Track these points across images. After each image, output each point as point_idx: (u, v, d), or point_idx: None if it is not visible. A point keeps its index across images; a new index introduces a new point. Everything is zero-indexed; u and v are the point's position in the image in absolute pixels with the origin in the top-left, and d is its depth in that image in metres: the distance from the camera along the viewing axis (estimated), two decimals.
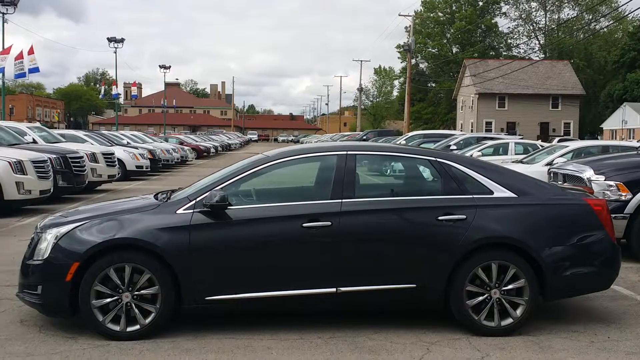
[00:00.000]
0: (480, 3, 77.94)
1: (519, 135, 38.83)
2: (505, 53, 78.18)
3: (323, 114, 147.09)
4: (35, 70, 34.18)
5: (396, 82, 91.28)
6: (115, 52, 57.91)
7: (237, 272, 5.40)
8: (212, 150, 47.28)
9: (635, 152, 10.75)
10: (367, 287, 5.48)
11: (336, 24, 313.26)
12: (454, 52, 78.49)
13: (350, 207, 5.51)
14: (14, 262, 7.27)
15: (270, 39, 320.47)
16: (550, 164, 13.82)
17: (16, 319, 5.81)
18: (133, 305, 5.28)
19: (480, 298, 5.50)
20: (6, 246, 9.36)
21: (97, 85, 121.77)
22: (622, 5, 55.43)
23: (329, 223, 5.43)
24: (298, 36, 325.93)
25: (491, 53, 76.62)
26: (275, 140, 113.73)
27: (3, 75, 33.75)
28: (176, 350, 5.09)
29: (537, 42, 79.46)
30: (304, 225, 5.40)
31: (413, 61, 64.69)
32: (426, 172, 6.13)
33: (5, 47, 33.73)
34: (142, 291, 5.29)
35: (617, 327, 5.84)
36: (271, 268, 5.44)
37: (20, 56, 33.43)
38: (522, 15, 78.81)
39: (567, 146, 16.05)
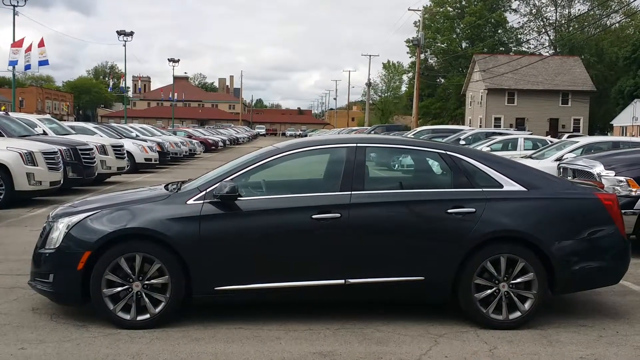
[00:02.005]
0: None
1: (528, 131, 38.66)
2: (515, 48, 77.81)
3: (331, 109, 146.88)
4: (44, 63, 34.39)
5: (405, 77, 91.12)
6: (125, 46, 58.19)
7: (247, 262, 5.43)
8: (220, 143, 47.36)
9: None
10: (375, 279, 5.50)
11: (345, 18, 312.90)
12: (463, 47, 78.14)
13: (359, 200, 5.53)
14: (25, 252, 7.34)
15: (280, 33, 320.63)
16: (560, 159, 13.78)
17: (28, 307, 5.87)
18: (143, 294, 5.32)
19: (489, 291, 5.51)
20: (18, 236, 9.44)
21: (106, 79, 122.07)
22: (633, 0, 55.06)
23: (339, 215, 5.44)
24: (307, 30, 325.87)
25: (501, 48, 76.22)
26: (283, 134, 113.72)
27: (14, 68, 33.92)
28: (186, 339, 5.13)
29: (547, 37, 79.07)
30: (314, 216, 5.42)
31: (422, 56, 64.47)
32: (436, 165, 6.13)
33: (16, 39, 33.87)
34: (152, 280, 5.33)
35: (626, 321, 5.84)
36: (280, 259, 5.46)
37: (29, 48, 33.62)
38: (532, 11, 78.45)
39: (577, 142, 15.98)
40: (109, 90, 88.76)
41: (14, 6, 35.30)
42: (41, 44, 33.64)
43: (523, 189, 5.72)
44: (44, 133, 16.72)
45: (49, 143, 13.95)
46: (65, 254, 5.35)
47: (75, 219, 5.45)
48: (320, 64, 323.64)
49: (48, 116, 22.99)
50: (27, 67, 34.66)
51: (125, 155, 19.51)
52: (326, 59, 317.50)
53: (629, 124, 51.39)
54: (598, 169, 9.17)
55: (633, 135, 44.19)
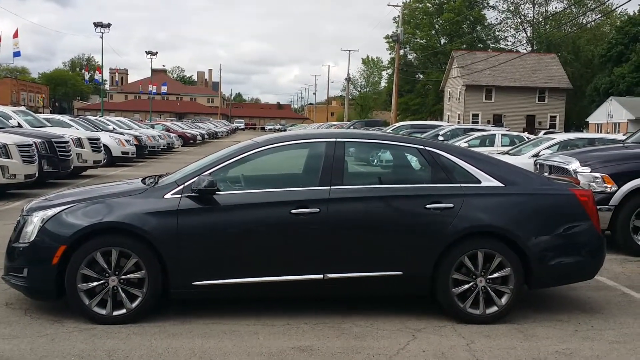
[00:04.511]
0: None
1: (505, 127, 39.00)
2: (493, 45, 78.36)
3: (310, 104, 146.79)
4: (17, 54, 33.99)
5: (384, 73, 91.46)
6: (102, 38, 57.31)
7: (225, 257, 5.39)
8: (199, 137, 47.08)
9: (622, 145, 10.83)
10: (354, 274, 5.50)
11: (326, 12, 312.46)
12: (442, 43, 78.53)
13: (338, 194, 5.52)
14: None
15: (260, 27, 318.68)
16: (536, 155, 13.90)
17: (1, 302, 5.78)
18: (120, 289, 5.27)
19: (466, 286, 5.54)
20: None
21: (83, 71, 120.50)
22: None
23: (317, 210, 5.43)
24: (287, 25, 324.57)
25: (479, 45, 76.74)
26: (263, 128, 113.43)
27: None
28: (163, 334, 5.08)
29: (524, 34, 79.80)
30: (292, 211, 5.41)
31: (401, 52, 64.68)
32: (414, 161, 6.14)
33: None
34: (128, 275, 5.27)
35: (601, 316, 5.91)
36: (259, 254, 5.44)
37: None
38: (510, 8, 79.05)
39: (554, 138, 16.16)
40: (85, 82, 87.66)
41: None
42: (15, 35, 33.19)
43: (500, 184, 5.76)
44: (19, 125, 16.47)
45: (23, 135, 13.74)
46: (40, 248, 5.27)
47: (51, 212, 5.37)
48: (300, 58, 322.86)
49: (23, 108, 22.66)
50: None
51: (102, 148, 19.29)
52: (306, 54, 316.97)
53: (604, 121, 52.13)
54: (574, 165, 9.26)
55: (608, 132, 44.81)
